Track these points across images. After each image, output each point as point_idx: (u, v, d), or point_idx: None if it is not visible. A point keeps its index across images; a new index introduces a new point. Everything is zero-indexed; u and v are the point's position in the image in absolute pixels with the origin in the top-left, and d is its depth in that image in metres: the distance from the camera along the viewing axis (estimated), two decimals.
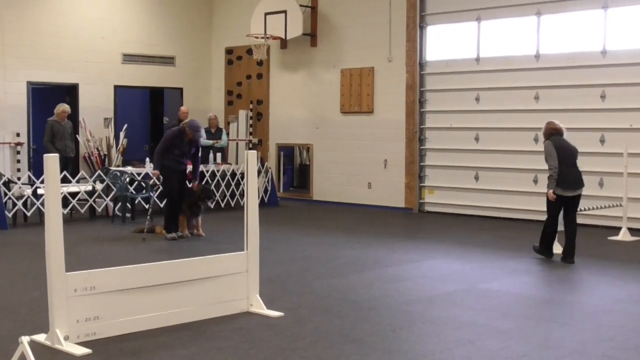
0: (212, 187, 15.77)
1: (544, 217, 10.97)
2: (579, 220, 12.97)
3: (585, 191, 12.84)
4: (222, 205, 16.24)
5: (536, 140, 14.20)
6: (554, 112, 14.30)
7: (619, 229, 12.63)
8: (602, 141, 13.94)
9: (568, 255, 10.59)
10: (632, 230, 12.70)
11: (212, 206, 14.95)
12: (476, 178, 15.58)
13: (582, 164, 13.25)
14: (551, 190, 10.51)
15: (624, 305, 8.12)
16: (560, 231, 10.81)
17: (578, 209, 11.07)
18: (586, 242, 12.05)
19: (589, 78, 14.06)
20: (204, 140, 16.80)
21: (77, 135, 16.83)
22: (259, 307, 7.53)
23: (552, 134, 10.78)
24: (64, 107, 15.46)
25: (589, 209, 12.37)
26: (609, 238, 12.57)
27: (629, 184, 12.65)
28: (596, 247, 11.83)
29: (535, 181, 14.25)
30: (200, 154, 12.81)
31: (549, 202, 10.67)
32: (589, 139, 14.00)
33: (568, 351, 6.34)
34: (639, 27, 13.58)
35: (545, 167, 10.70)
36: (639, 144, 13.36)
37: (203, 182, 14.41)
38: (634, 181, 13.03)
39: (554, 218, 10.73)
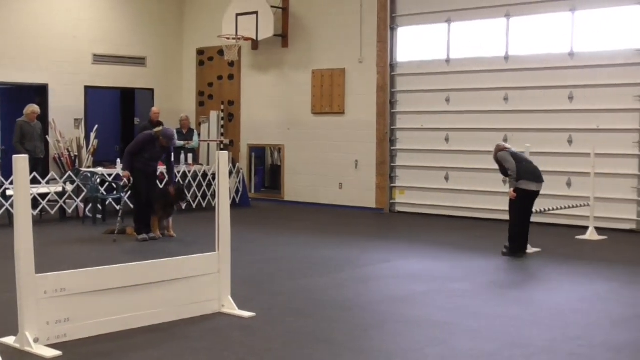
0: (184, 187, 15.71)
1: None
2: (547, 219, 13.18)
3: (553, 191, 13.10)
4: (194, 206, 16.19)
5: (505, 140, 14.28)
6: (523, 112, 14.46)
7: (586, 228, 12.72)
8: (570, 142, 14.06)
9: (516, 250, 10.90)
10: (599, 230, 12.80)
11: (183, 207, 14.91)
12: (446, 178, 15.65)
13: (550, 164, 13.51)
14: (512, 189, 10.78)
15: (591, 303, 8.19)
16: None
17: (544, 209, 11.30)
18: (554, 241, 12.20)
19: (557, 79, 14.18)
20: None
21: (47, 136, 16.67)
22: (231, 308, 7.51)
23: (502, 151, 11.04)
24: (33, 108, 15.31)
25: (557, 209, 12.48)
26: (577, 237, 12.66)
27: (596, 184, 12.77)
28: (564, 246, 11.93)
29: (505, 181, 14.32)
30: (172, 158, 12.75)
31: (515, 202, 10.82)
32: (557, 139, 14.14)
33: (536, 349, 6.38)
34: (606, 29, 13.71)
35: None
36: (606, 144, 13.50)
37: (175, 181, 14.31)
38: (601, 181, 13.16)
39: (525, 216, 10.89)
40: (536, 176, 10.83)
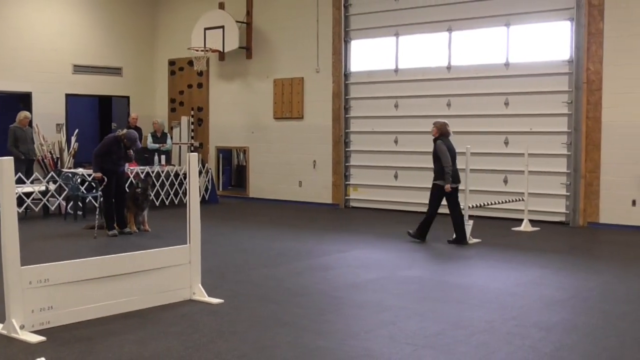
0: (157, 186, 15.62)
1: (455, 211, 11.23)
2: (486, 213, 13.29)
3: (491, 187, 13.28)
4: (167, 203, 16.07)
5: None
6: (464, 117, 14.54)
7: (521, 220, 12.87)
8: (506, 143, 14.18)
9: (463, 238, 11.09)
10: (532, 222, 12.96)
11: (157, 204, 14.78)
12: (395, 177, 15.70)
13: (489, 163, 13.64)
14: (448, 185, 10.96)
15: (525, 287, 8.27)
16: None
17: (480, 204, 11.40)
18: (492, 233, 12.29)
19: (494, 87, 14.30)
20: (150, 144, 16.72)
21: None
22: (201, 295, 7.47)
23: (444, 134, 11.19)
24: (26, 114, 15.12)
25: (495, 203, 12.59)
26: (513, 229, 12.79)
27: (529, 180, 12.92)
28: (501, 237, 12.04)
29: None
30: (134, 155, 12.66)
31: (437, 194, 11.13)
32: (495, 141, 14.25)
33: (477, 329, 6.42)
34: (537, 42, 13.86)
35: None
36: (538, 145, 13.64)
37: (143, 183, 14.16)
38: (534, 178, 13.31)
39: (437, 208, 11.26)
40: (458, 178, 11.22)
